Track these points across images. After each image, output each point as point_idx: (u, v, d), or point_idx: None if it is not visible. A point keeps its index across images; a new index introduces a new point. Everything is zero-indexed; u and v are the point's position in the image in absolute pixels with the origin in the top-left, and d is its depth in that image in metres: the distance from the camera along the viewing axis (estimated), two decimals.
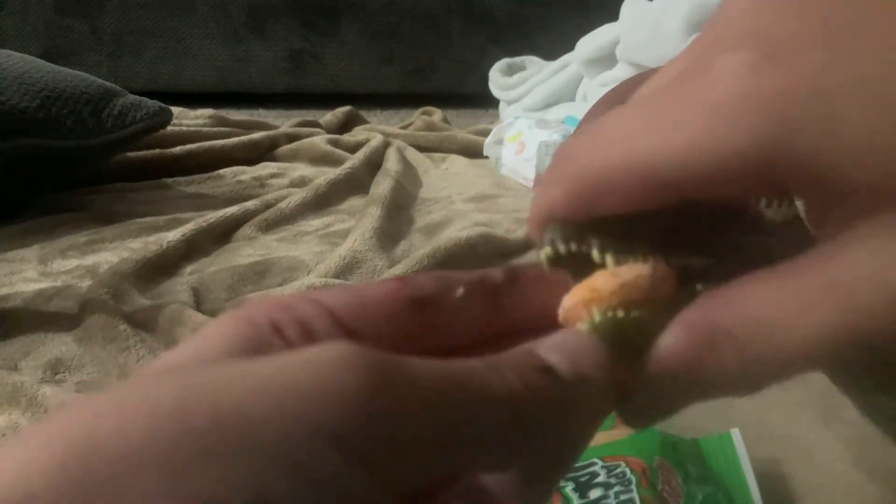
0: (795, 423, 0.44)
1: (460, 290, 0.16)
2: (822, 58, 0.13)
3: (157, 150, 1.07)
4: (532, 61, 1.42)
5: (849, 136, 0.13)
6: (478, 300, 0.16)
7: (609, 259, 0.16)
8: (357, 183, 0.98)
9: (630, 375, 0.15)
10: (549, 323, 0.16)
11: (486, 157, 1.15)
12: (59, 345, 0.54)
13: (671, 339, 0.15)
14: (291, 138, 1.20)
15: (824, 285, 0.14)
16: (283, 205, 0.86)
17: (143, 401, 0.11)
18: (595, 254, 0.16)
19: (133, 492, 0.10)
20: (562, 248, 0.16)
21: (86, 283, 0.64)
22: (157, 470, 0.10)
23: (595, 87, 1.15)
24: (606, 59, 1.13)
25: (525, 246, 0.74)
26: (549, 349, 0.15)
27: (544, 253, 0.16)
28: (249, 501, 0.10)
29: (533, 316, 0.17)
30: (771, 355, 0.14)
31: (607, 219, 0.16)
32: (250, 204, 0.85)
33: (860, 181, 0.13)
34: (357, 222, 0.79)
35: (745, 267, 0.15)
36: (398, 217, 0.85)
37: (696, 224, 0.16)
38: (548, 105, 1.28)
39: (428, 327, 0.16)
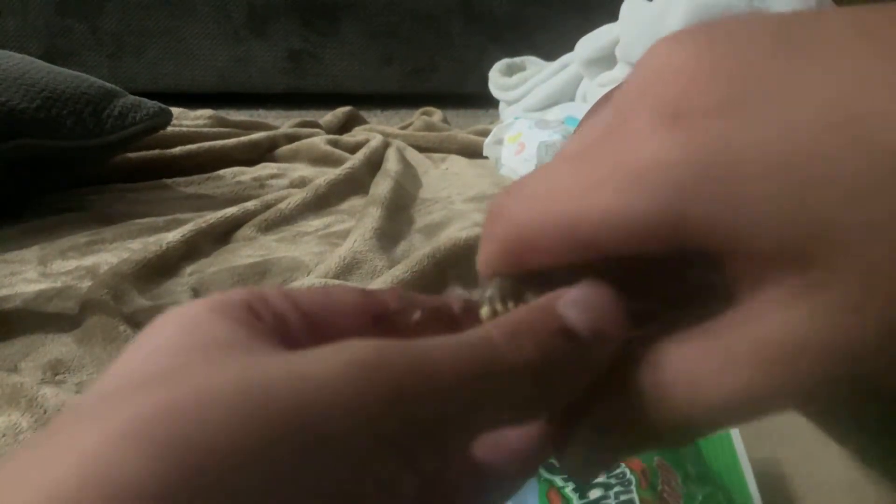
0: (795, 423, 0.44)
1: (417, 314, 0.17)
2: (724, 123, 0.13)
3: (157, 151, 1.07)
4: (532, 62, 1.42)
5: (747, 202, 0.13)
6: (434, 325, 0.17)
7: None
8: (357, 183, 0.98)
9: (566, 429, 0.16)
10: None
11: (486, 158, 1.15)
12: (59, 346, 0.54)
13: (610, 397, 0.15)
14: (291, 139, 1.20)
15: (744, 345, 0.14)
16: (282, 205, 0.86)
17: (218, 398, 0.12)
18: None
19: (242, 486, 0.11)
20: (498, 306, 0.17)
21: (86, 284, 0.64)
22: (257, 464, 0.11)
23: (595, 88, 1.15)
24: (606, 60, 1.13)
25: None
26: (570, 305, 0.15)
27: (483, 312, 0.17)
28: (325, 487, 0.11)
29: None
30: (700, 412, 0.14)
31: (550, 271, 0.16)
32: (250, 204, 0.85)
33: (761, 247, 0.13)
34: (357, 223, 0.79)
35: (683, 316, 0.15)
36: (398, 217, 0.85)
37: (646, 272, 0.16)
38: (548, 105, 1.28)
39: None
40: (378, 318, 0.17)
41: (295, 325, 0.15)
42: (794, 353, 0.13)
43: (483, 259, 0.17)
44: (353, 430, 0.12)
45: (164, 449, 0.11)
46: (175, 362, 0.13)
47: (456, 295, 0.19)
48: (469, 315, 0.18)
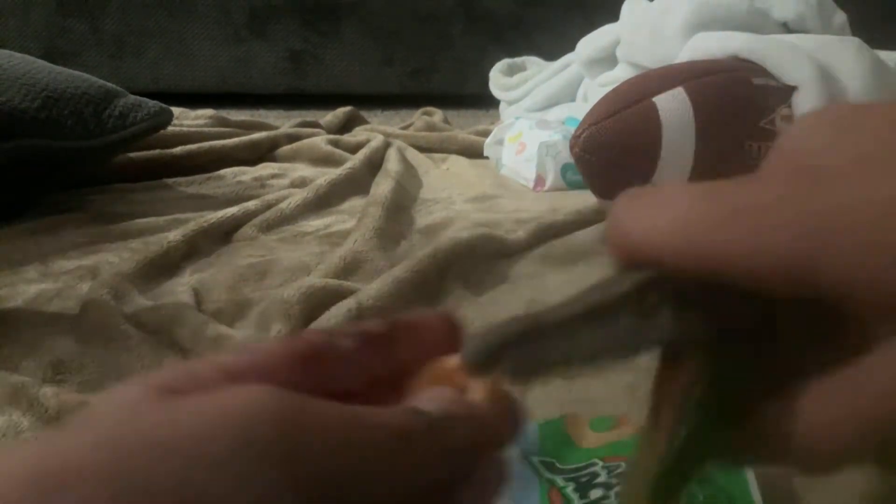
0: None
1: (347, 343, 0.19)
2: (853, 187, 0.15)
3: (157, 151, 1.07)
4: (532, 62, 1.42)
5: (872, 260, 0.15)
6: (364, 351, 0.19)
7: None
8: (357, 183, 0.98)
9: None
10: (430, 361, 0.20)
11: (487, 158, 1.15)
12: (60, 345, 0.54)
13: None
14: (292, 139, 1.20)
15: (875, 393, 0.16)
16: (283, 205, 0.86)
17: (141, 438, 0.14)
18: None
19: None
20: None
21: (86, 284, 0.64)
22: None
23: (595, 88, 1.15)
24: (607, 60, 1.13)
25: (525, 246, 0.74)
26: (424, 402, 0.18)
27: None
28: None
29: (416, 357, 0.20)
30: (832, 451, 0.16)
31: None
32: (251, 204, 0.85)
33: (884, 301, 0.15)
34: (357, 223, 0.79)
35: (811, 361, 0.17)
36: (399, 217, 0.85)
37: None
38: (548, 105, 1.28)
39: (323, 378, 0.19)
40: (310, 358, 0.18)
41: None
42: None
43: (616, 254, 0.19)
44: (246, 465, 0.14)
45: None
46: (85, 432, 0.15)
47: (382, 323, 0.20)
48: (396, 334, 0.20)
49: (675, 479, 0.18)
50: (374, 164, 1.06)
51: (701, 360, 0.18)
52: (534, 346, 0.17)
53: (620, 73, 1.06)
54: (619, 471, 0.34)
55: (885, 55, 0.81)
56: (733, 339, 0.18)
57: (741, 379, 0.18)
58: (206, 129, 1.18)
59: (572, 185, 0.98)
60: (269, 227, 0.82)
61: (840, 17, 1.02)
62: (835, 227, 0.15)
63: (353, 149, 1.16)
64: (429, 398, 0.18)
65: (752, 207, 0.16)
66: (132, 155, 1.03)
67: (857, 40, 0.76)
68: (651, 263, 0.17)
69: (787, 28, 0.97)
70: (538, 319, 0.18)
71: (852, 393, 0.16)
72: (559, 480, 0.34)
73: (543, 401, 0.47)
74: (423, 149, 1.22)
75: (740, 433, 0.18)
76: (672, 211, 0.17)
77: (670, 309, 0.17)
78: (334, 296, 0.57)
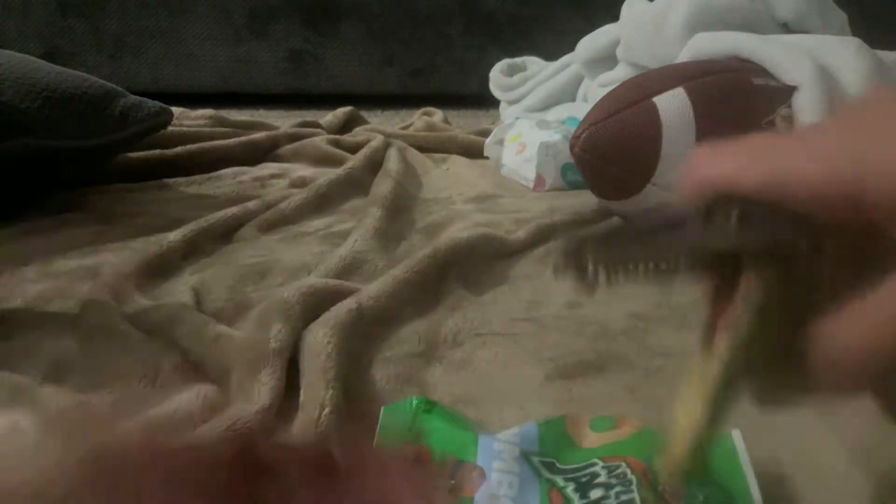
0: (795, 423, 0.44)
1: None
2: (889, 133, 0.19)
3: (157, 151, 1.07)
4: (532, 62, 1.42)
5: None
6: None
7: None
8: (358, 183, 0.98)
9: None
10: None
11: (487, 158, 1.15)
12: (60, 345, 0.54)
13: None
14: (292, 139, 1.20)
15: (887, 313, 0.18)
16: (283, 205, 0.86)
17: None
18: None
19: None
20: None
21: (87, 284, 0.64)
22: None
23: (595, 88, 1.15)
24: (607, 60, 1.13)
25: (525, 246, 0.74)
26: None
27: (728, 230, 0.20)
28: None
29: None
30: (852, 371, 0.19)
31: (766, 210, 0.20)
32: (251, 204, 0.85)
33: None
34: (358, 223, 0.79)
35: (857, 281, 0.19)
36: (399, 217, 0.85)
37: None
38: (548, 105, 1.28)
39: None
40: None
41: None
42: None
43: (698, 188, 0.21)
44: None
45: None
46: None
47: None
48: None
49: (727, 395, 0.20)
50: (375, 164, 1.06)
51: (759, 273, 0.20)
52: (618, 246, 0.20)
53: (620, 73, 1.06)
54: (618, 471, 0.34)
55: (885, 55, 0.81)
56: (788, 258, 0.20)
57: (793, 294, 0.20)
58: (206, 129, 1.18)
59: (572, 185, 0.98)
60: (269, 227, 0.82)
61: (840, 17, 1.02)
62: (881, 155, 0.18)
63: (354, 149, 1.16)
64: None
65: (814, 142, 0.20)
66: (132, 155, 1.03)
67: (857, 40, 0.76)
68: (728, 190, 0.20)
69: (787, 28, 0.97)
70: (622, 225, 0.20)
71: (875, 312, 0.19)
72: (559, 480, 0.34)
73: (543, 401, 0.47)
74: (423, 149, 1.22)
75: (788, 347, 0.20)
76: (748, 147, 0.21)
77: (735, 224, 0.20)
78: (334, 296, 0.57)
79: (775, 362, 0.20)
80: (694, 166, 0.22)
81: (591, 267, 0.19)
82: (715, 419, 0.20)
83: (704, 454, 0.20)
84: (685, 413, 0.20)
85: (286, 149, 1.16)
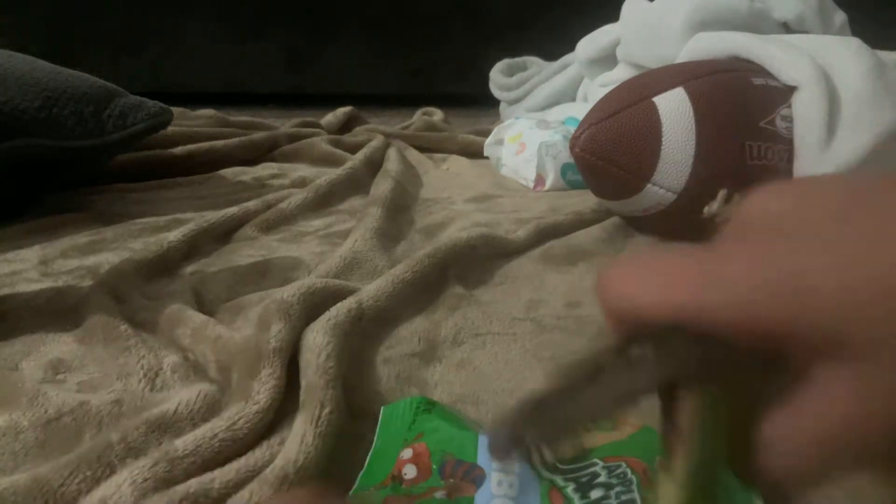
0: None
1: None
2: (805, 250, 0.19)
3: (157, 151, 1.07)
4: (532, 62, 1.42)
5: (812, 309, 0.18)
6: None
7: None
8: (358, 183, 0.98)
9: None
10: None
11: (487, 158, 1.15)
12: (59, 345, 0.54)
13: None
14: (292, 139, 1.20)
15: (816, 416, 0.19)
16: (283, 205, 0.86)
17: None
18: None
19: None
20: None
21: (87, 284, 0.64)
22: None
23: (595, 88, 1.15)
24: (607, 60, 1.13)
25: (525, 246, 0.74)
26: None
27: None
28: None
29: None
30: (789, 475, 0.20)
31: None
32: (251, 204, 0.85)
33: (823, 341, 0.18)
34: (358, 222, 0.79)
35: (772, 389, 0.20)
36: (399, 217, 0.85)
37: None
38: (548, 105, 1.28)
39: None
40: None
41: None
42: (852, 423, 0.18)
43: (609, 316, 0.21)
44: None
45: None
46: None
47: None
48: None
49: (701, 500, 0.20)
50: (375, 164, 1.06)
51: (693, 395, 0.20)
52: (545, 421, 0.20)
53: (620, 73, 1.06)
54: (619, 471, 0.34)
55: (885, 55, 0.81)
56: (716, 377, 0.20)
57: (725, 408, 0.21)
58: (206, 129, 1.18)
59: (572, 185, 0.98)
60: (269, 227, 0.82)
61: (840, 17, 1.02)
62: (801, 290, 0.18)
63: (353, 149, 1.16)
64: None
65: (730, 272, 0.19)
66: (132, 155, 1.03)
67: (857, 40, 0.76)
68: (640, 322, 0.20)
69: (787, 28, 0.97)
70: (541, 398, 0.20)
71: (798, 419, 0.19)
72: (559, 480, 0.34)
73: None
74: (423, 149, 1.22)
75: (735, 455, 0.21)
76: (659, 278, 0.20)
77: (652, 357, 0.20)
78: (334, 296, 0.57)
79: (738, 467, 0.21)
80: (602, 290, 0.21)
81: (530, 447, 0.19)
82: None
83: None
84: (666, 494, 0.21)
85: (286, 149, 1.16)
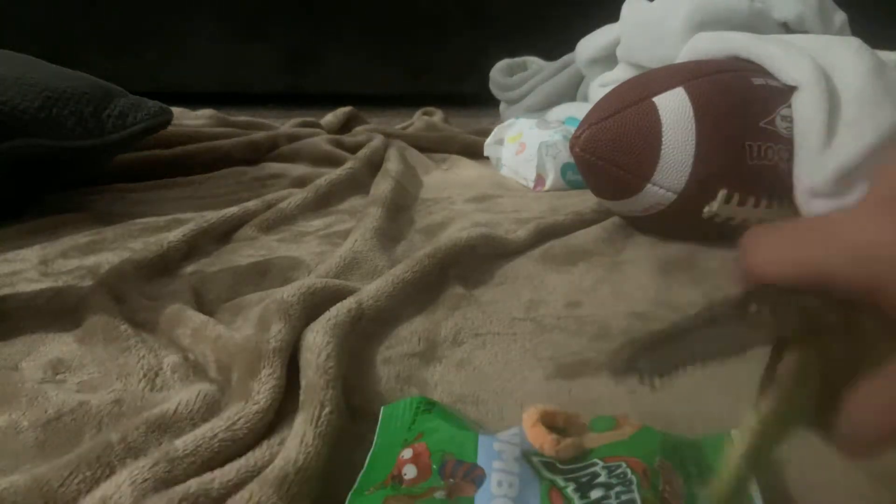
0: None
1: None
2: None
3: (157, 151, 1.07)
4: (532, 61, 1.42)
5: None
6: None
7: None
8: (358, 183, 0.98)
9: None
10: None
11: (487, 158, 1.15)
12: (59, 345, 0.54)
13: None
14: (292, 138, 1.20)
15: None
16: (283, 205, 0.86)
17: None
18: None
19: None
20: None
21: (87, 284, 0.64)
22: None
23: (596, 88, 1.15)
24: (607, 60, 1.13)
25: (525, 246, 0.74)
26: None
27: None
28: None
29: None
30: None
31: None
32: (251, 204, 0.85)
33: None
34: (358, 222, 0.79)
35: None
36: (399, 217, 0.85)
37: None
38: (548, 105, 1.28)
39: None
40: None
41: None
42: None
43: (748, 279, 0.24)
44: None
45: None
46: None
47: None
48: None
49: (771, 443, 0.24)
50: (375, 164, 1.06)
51: (796, 352, 0.23)
52: (661, 354, 0.23)
53: (620, 73, 1.06)
54: (619, 471, 0.34)
55: (885, 55, 0.81)
56: (825, 338, 0.23)
57: (830, 371, 0.23)
58: (205, 129, 1.18)
59: (572, 185, 0.98)
60: (269, 227, 0.82)
61: (840, 17, 1.02)
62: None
63: (354, 149, 1.16)
64: None
65: (858, 240, 0.21)
66: (132, 155, 1.03)
67: (857, 40, 0.76)
68: (765, 281, 0.23)
69: (787, 28, 0.97)
70: (664, 332, 0.23)
71: (887, 390, 0.21)
72: (559, 480, 0.34)
73: (544, 401, 0.47)
74: (423, 149, 1.22)
75: (821, 415, 0.23)
76: (793, 244, 0.23)
77: (769, 315, 0.23)
78: (334, 296, 0.57)
79: (824, 422, 0.24)
80: (745, 255, 0.24)
81: (644, 374, 0.22)
82: (752, 467, 0.24)
83: (741, 491, 0.24)
84: (732, 456, 0.24)
85: (286, 149, 1.16)
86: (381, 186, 0.91)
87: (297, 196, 0.89)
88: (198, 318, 0.55)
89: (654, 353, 0.23)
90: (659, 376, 0.22)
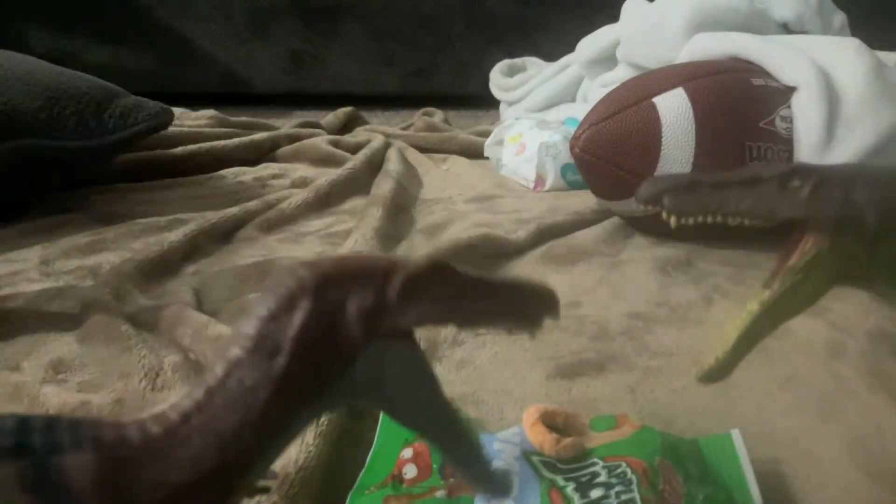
0: (795, 423, 0.44)
1: None
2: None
3: (158, 151, 1.07)
4: (532, 62, 1.42)
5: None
6: None
7: None
8: (358, 183, 0.98)
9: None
10: None
11: (487, 158, 1.15)
12: (60, 345, 0.54)
13: None
14: (293, 139, 1.20)
15: None
16: (284, 205, 0.86)
17: None
18: None
19: None
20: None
21: (88, 284, 0.64)
22: None
23: (596, 88, 1.15)
24: (607, 61, 1.13)
25: (525, 246, 0.74)
26: None
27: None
28: None
29: None
30: None
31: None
32: (252, 204, 0.85)
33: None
34: (358, 223, 0.79)
35: None
36: (399, 218, 0.85)
37: None
38: (548, 106, 1.28)
39: None
40: None
41: None
42: None
43: None
44: None
45: None
46: None
47: None
48: None
49: (767, 328, 0.25)
50: (375, 165, 1.06)
51: (817, 240, 0.23)
52: (694, 193, 0.23)
53: (620, 74, 1.06)
54: (619, 470, 0.34)
55: (885, 55, 0.81)
56: (847, 233, 0.23)
57: (844, 265, 0.24)
58: (206, 130, 1.18)
59: (572, 185, 0.98)
60: (269, 228, 0.82)
61: (840, 17, 1.02)
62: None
63: (354, 149, 1.16)
64: None
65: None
66: (132, 155, 1.03)
67: (857, 40, 0.76)
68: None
69: (787, 28, 0.97)
70: (701, 175, 0.23)
71: None
72: (559, 480, 0.34)
73: (544, 401, 0.47)
74: (423, 149, 1.22)
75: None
76: None
77: (808, 193, 0.23)
78: None
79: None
80: None
81: (668, 208, 0.23)
82: (750, 339, 0.25)
83: (730, 367, 0.26)
84: (731, 328, 0.25)
85: (286, 149, 1.16)
86: (382, 187, 0.91)
87: (298, 196, 0.89)
88: (199, 317, 0.55)
89: (686, 191, 0.23)
90: (681, 214, 0.23)
